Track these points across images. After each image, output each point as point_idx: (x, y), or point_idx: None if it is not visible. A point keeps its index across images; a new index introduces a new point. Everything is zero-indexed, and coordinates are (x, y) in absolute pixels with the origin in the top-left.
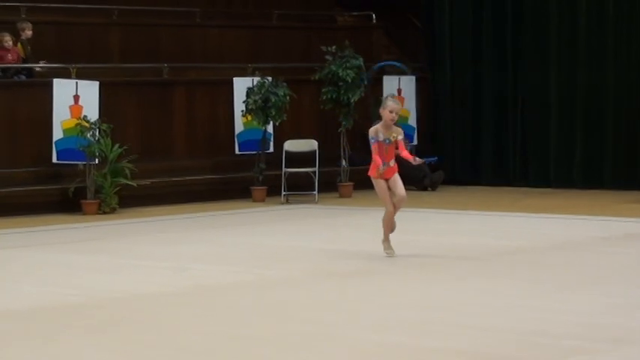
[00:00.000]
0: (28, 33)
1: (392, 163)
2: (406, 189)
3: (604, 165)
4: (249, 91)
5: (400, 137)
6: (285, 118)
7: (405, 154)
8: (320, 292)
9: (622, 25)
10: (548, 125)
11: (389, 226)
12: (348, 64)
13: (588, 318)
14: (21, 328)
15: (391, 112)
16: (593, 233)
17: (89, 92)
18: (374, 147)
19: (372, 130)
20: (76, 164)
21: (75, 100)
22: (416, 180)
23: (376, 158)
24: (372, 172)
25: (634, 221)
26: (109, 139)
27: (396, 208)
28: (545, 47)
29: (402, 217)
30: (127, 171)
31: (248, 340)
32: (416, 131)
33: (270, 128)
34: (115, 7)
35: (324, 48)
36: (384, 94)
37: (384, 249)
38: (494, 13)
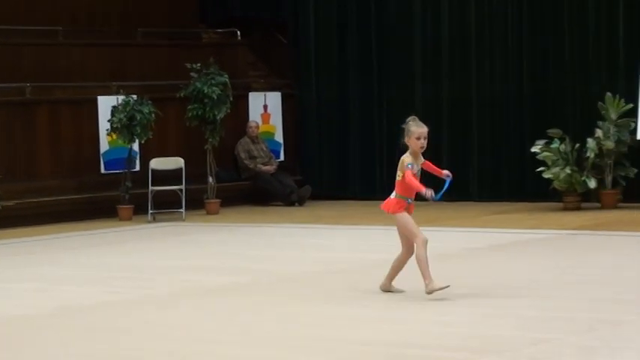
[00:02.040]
0: None
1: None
2: (273, 205)
3: (470, 176)
4: (114, 110)
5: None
6: (150, 136)
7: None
8: (185, 309)
9: (484, 36)
10: None
11: (426, 263)
12: (213, 81)
13: (454, 328)
14: None
15: (418, 138)
16: (461, 244)
17: None
18: (408, 173)
19: (407, 157)
20: None
21: None
22: (283, 195)
23: (411, 185)
24: (395, 209)
25: (500, 232)
26: None
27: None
28: (409, 61)
29: (267, 233)
30: None
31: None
32: (282, 147)
33: (135, 146)
34: None
35: (188, 65)
36: (250, 111)
37: (435, 288)
38: (359, 29)
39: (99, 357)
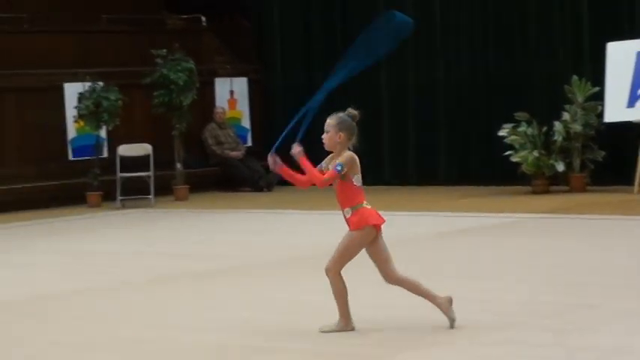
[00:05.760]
0: None
1: (347, 212)
2: (242, 191)
3: (438, 160)
4: (81, 97)
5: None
6: (118, 123)
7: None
8: (161, 296)
9: (450, 20)
10: (381, 124)
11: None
12: (179, 67)
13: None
14: None
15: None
16: (429, 229)
17: None
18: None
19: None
20: None
21: None
22: (251, 181)
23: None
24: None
25: (468, 216)
26: None
27: None
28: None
29: (236, 219)
30: None
31: (78, 346)
32: (250, 133)
33: (103, 133)
34: None
35: (154, 51)
36: (217, 97)
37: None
38: (324, 14)
39: (77, 344)
